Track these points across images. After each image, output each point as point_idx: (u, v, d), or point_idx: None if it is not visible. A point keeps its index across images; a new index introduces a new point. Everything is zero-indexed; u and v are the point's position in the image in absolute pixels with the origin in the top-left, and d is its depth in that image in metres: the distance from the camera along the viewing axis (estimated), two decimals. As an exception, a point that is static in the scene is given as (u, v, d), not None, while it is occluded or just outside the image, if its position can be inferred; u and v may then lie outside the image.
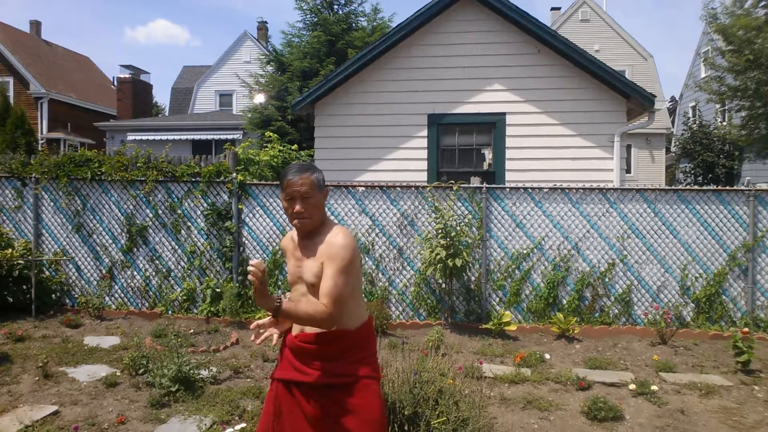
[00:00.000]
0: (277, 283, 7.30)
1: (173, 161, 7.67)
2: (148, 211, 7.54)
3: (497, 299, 7.14)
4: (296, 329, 2.42)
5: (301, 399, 2.34)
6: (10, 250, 6.95)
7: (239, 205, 7.41)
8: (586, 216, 7.04)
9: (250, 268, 2.12)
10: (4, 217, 7.66)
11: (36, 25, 28.73)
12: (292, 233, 2.49)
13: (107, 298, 7.53)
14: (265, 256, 7.39)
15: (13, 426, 3.90)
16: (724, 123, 20.89)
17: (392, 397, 3.33)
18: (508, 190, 7.17)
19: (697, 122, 22.56)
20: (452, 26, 8.69)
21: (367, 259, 7.27)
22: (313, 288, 2.32)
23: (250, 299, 7.27)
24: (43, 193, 7.65)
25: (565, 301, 7.01)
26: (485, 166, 8.68)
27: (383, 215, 7.28)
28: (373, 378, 2.39)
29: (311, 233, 2.39)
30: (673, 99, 36.33)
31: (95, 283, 7.57)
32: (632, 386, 4.81)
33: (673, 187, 7.10)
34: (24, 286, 7.25)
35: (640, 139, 21.69)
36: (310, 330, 2.34)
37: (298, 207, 2.31)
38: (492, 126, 8.59)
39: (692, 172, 21.69)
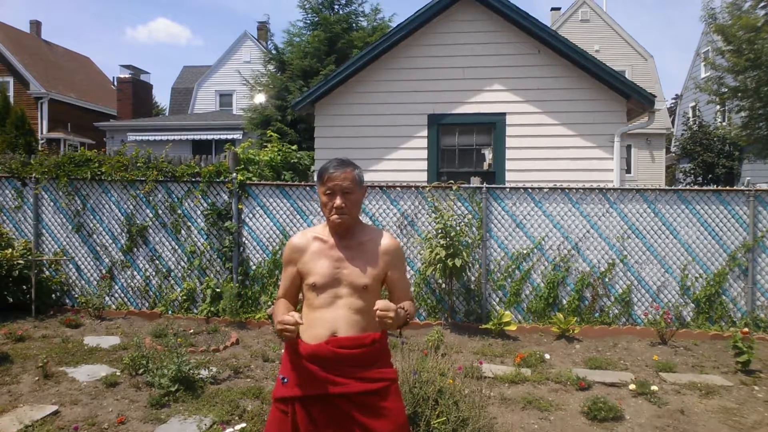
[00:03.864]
0: (276, 283, 7.28)
1: (173, 161, 7.67)
2: (148, 211, 7.54)
3: (497, 299, 7.14)
4: (323, 334, 2.19)
5: (326, 416, 2.14)
6: (10, 250, 6.96)
7: (239, 205, 7.41)
8: (586, 216, 7.04)
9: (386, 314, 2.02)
10: (4, 217, 7.66)
11: (36, 25, 28.76)
12: (311, 232, 2.34)
13: (107, 298, 7.53)
14: (265, 256, 7.39)
15: (13, 426, 3.90)
16: (724, 123, 20.89)
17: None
18: (508, 190, 7.17)
19: (697, 122, 22.56)
20: (452, 26, 8.69)
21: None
22: (365, 290, 2.21)
23: (250, 299, 7.28)
24: (43, 193, 7.65)
25: (565, 301, 7.01)
26: (485, 166, 8.68)
27: (383, 215, 7.28)
28: (397, 381, 2.33)
29: (348, 232, 2.29)
30: (674, 98, 36.32)
31: (95, 283, 7.57)
32: (632, 386, 4.81)
33: (673, 188, 7.09)
34: (24, 286, 7.25)
35: (640, 140, 21.70)
36: (344, 333, 2.18)
37: (338, 201, 2.23)
38: (492, 126, 8.59)
39: (692, 172, 21.70)
